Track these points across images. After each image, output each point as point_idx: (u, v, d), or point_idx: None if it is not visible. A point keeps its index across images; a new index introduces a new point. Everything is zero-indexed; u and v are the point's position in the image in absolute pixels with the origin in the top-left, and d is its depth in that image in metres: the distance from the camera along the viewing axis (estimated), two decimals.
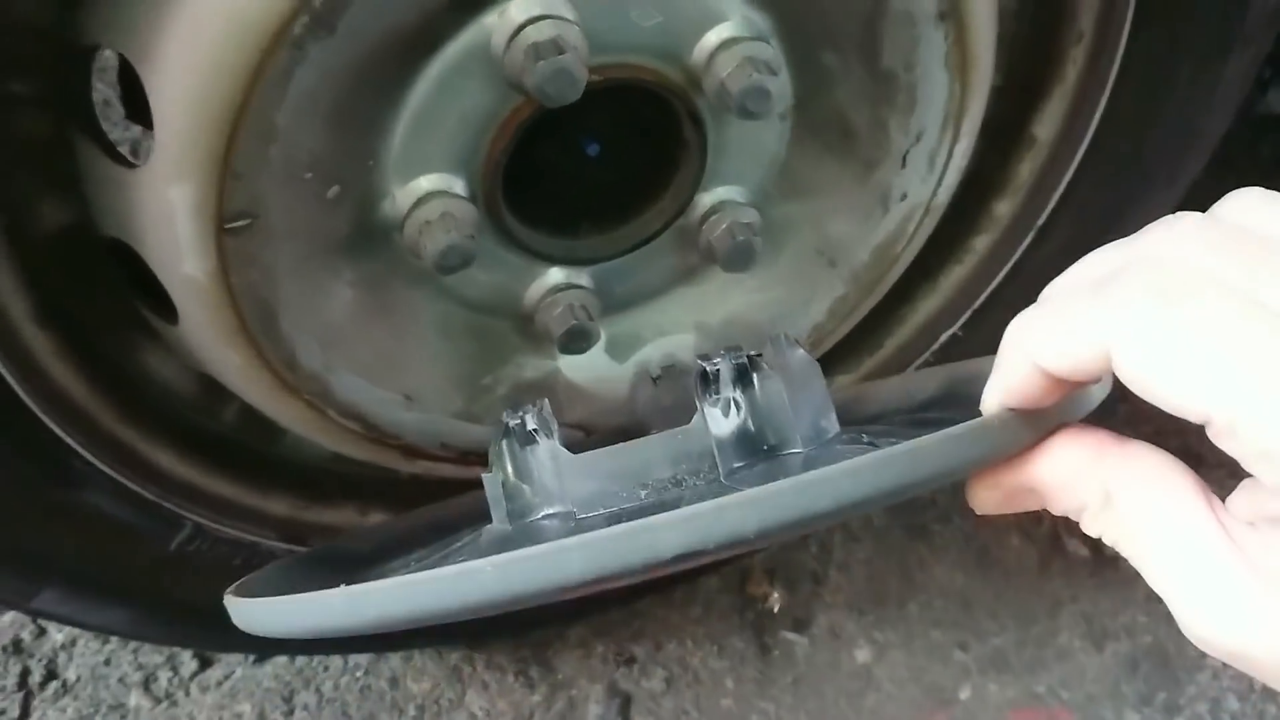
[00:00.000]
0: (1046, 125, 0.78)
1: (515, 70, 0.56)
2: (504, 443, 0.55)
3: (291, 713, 0.98)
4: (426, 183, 0.62)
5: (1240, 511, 0.36)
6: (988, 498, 0.43)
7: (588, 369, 0.77)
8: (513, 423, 0.55)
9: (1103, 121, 0.76)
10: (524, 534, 0.53)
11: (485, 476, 0.55)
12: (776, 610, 1.14)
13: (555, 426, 0.55)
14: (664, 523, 0.38)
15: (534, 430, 0.55)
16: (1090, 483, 0.38)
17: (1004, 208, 0.80)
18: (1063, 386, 0.39)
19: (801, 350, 0.57)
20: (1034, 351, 0.38)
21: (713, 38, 0.61)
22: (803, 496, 0.39)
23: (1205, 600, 0.35)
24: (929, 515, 1.25)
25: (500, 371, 0.76)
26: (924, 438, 0.41)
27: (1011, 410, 0.40)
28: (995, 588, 1.21)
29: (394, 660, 1.02)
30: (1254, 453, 0.33)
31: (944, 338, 0.85)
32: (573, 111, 0.59)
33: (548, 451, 0.54)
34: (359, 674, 1.01)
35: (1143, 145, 0.78)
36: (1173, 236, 0.37)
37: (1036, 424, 0.41)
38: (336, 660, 1.01)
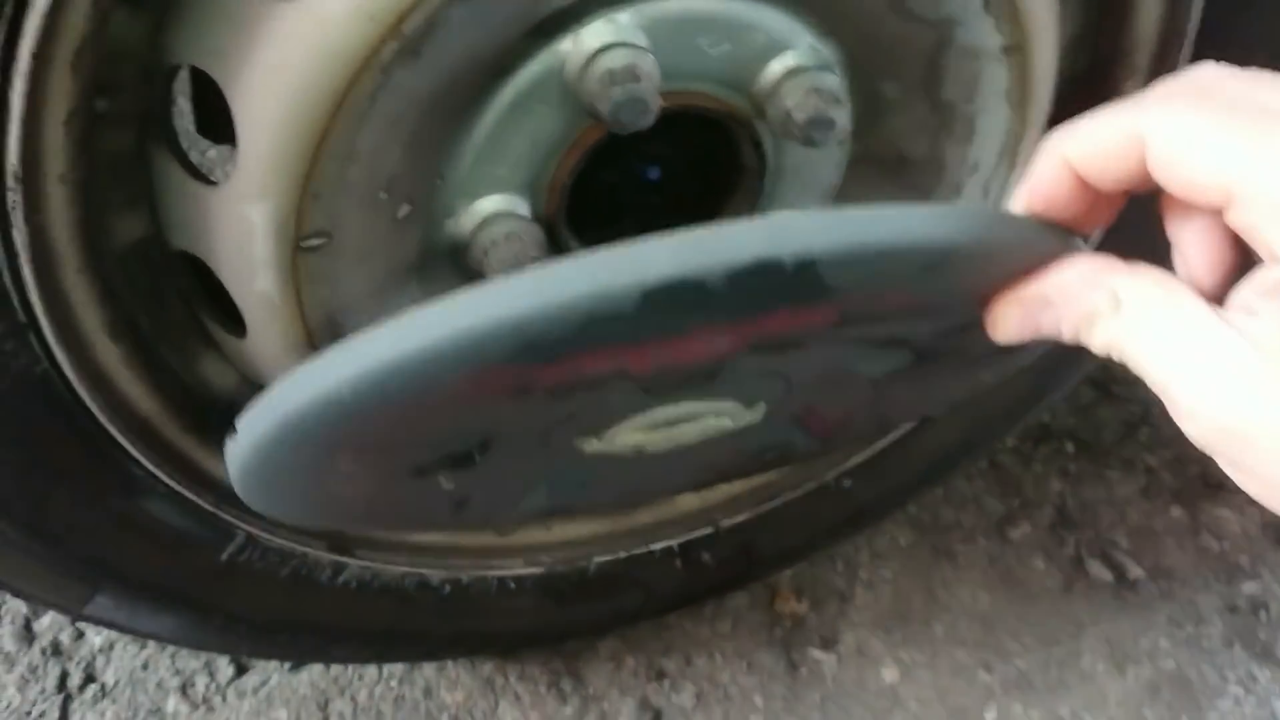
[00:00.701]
0: None
1: (589, 96, 0.57)
2: None
3: None
4: (492, 203, 0.64)
5: (1242, 303, 0.39)
6: (1008, 316, 0.44)
7: None
8: None
9: None
10: None
11: None
12: (803, 616, 1.14)
13: None
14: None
15: None
16: (1102, 287, 0.41)
17: None
18: (1088, 196, 0.42)
19: None
20: (1067, 146, 0.41)
21: (778, 66, 0.62)
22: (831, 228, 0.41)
23: (1207, 379, 0.37)
24: (954, 536, 1.26)
25: None
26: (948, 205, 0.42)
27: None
28: (1019, 609, 1.21)
29: (428, 670, 1.03)
30: (1267, 213, 0.37)
31: None
32: (636, 136, 0.60)
33: None
34: (393, 683, 1.02)
35: None
36: (1201, 68, 0.41)
37: (1055, 232, 0.43)
38: (371, 670, 1.02)
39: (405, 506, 0.61)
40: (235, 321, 0.64)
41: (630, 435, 0.56)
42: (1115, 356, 0.41)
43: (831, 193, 0.72)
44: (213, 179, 0.58)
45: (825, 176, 0.71)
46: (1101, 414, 1.41)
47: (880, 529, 1.23)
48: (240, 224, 0.56)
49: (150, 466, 0.67)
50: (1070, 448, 1.38)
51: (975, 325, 0.47)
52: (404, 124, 0.55)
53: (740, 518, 0.92)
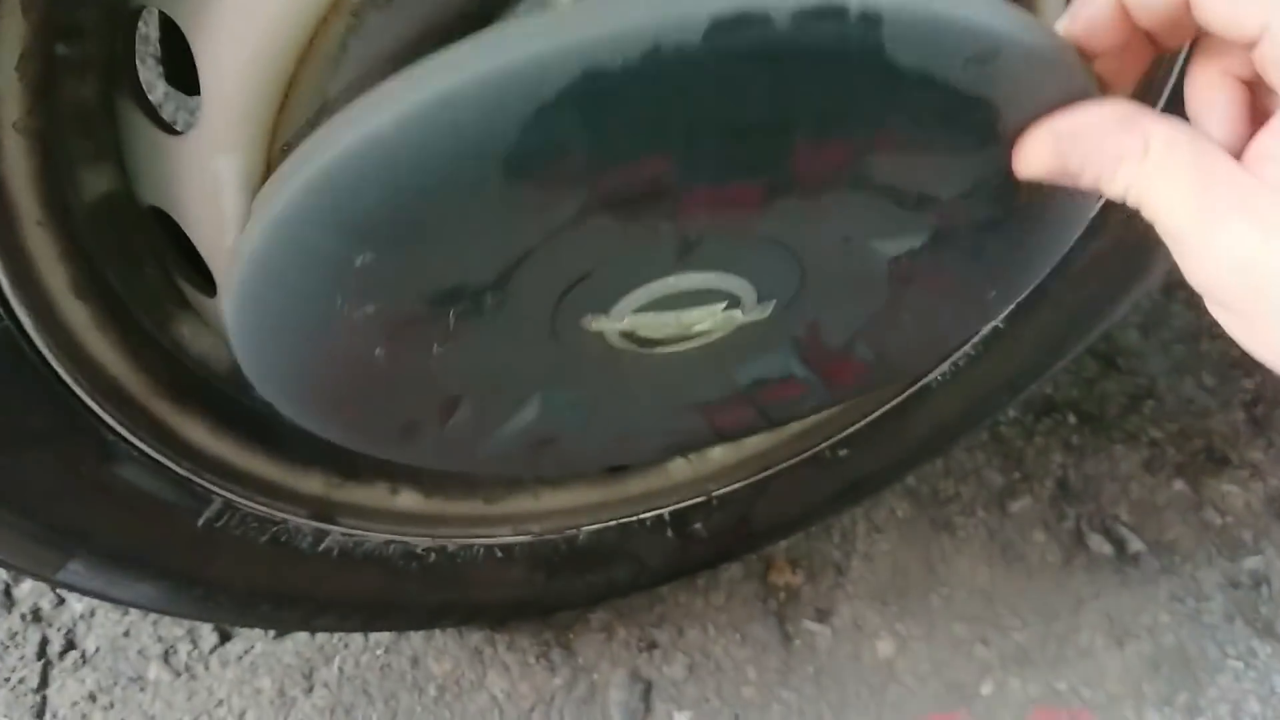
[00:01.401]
0: None
1: None
2: None
3: (311, 690, 0.97)
4: None
5: (1261, 150, 0.41)
6: (1039, 146, 0.45)
7: None
8: None
9: None
10: None
11: None
12: (798, 588, 1.13)
13: None
14: None
15: None
16: (1134, 130, 0.42)
17: None
18: (1125, 30, 0.43)
19: None
20: None
21: None
22: None
23: (1224, 219, 0.39)
24: (953, 508, 1.24)
25: None
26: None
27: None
28: (1018, 583, 1.20)
29: (415, 639, 1.01)
30: None
31: (986, 331, 0.84)
32: None
33: None
34: (379, 652, 1.00)
35: None
36: None
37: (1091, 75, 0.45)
38: (357, 638, 1.01)
39: (397, 394, 0.57)
40: (208, 281, 0.62)
41: (637, 318, 0.54)
42: (1132, 201, 0.42)
43: None
44: (179, 130, 0.55)
45: None
46: (1106, 387, 1.39)
47: (878, 501, 1.21)
48: (207, 177, 0.54)
49: (122, 431, 0.65)
50: (1073, 420, 1.36)
51: (999, 187, 0.47)
52: (376, 73, 0.53)
53: (734, 488, 0.90)
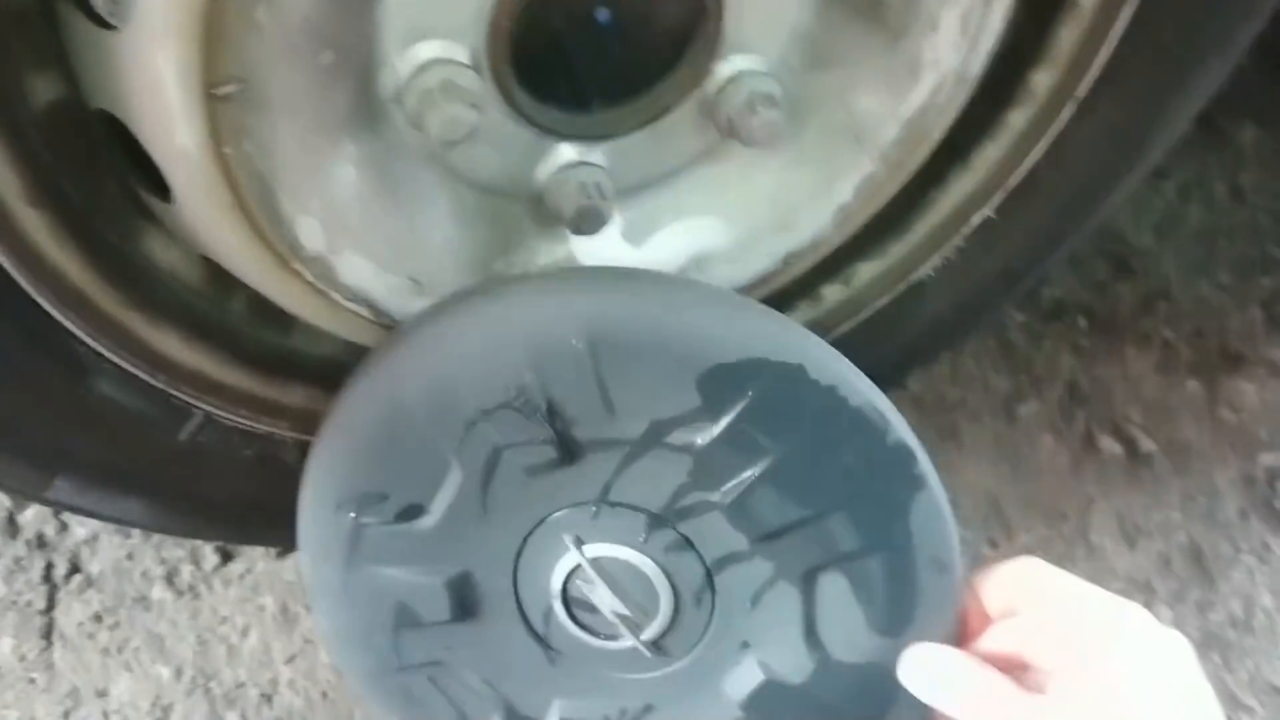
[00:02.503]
0: None
1: None
2: None
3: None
4: (428, 50, 0.59)
5: None
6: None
7: (602, 255, 0.74)
8: None
9: None
10: None
11: None
12: None
13: None
14: None
15: None
16: None
17: (1042, 79, 0.75)
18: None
19: None
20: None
21: None
22: None
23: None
24: (959, 415, 1.23)
25: (512, 256, 0.73)
26: None
27: None
28: (1026, 487, 1.18)
29: None
30: None
31: (976, 220, 0.82)
32: None
33: None
34: None
35: (1195, 11, 0.73)
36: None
37: None
38: None
39: None
40: (163, 186, 0.61)
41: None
42: None
43: (801, 36, 0.67)
44: (115, 24, 0.54)
45: (791, 16, 0.66)
46: (1118, 289, 1.36)
47: None
48: (147, 72, 0.53)
49: (92, 343, 0.65)
50: (1083, 323, 1.33)
51: None
52: None
53: None
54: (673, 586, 0.63)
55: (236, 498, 0.79)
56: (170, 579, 0.98)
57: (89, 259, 0.63)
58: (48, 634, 0.94)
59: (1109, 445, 1.22)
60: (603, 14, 0.66)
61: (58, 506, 0.74)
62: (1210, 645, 1.07)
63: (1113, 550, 1.14)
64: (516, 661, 0.68)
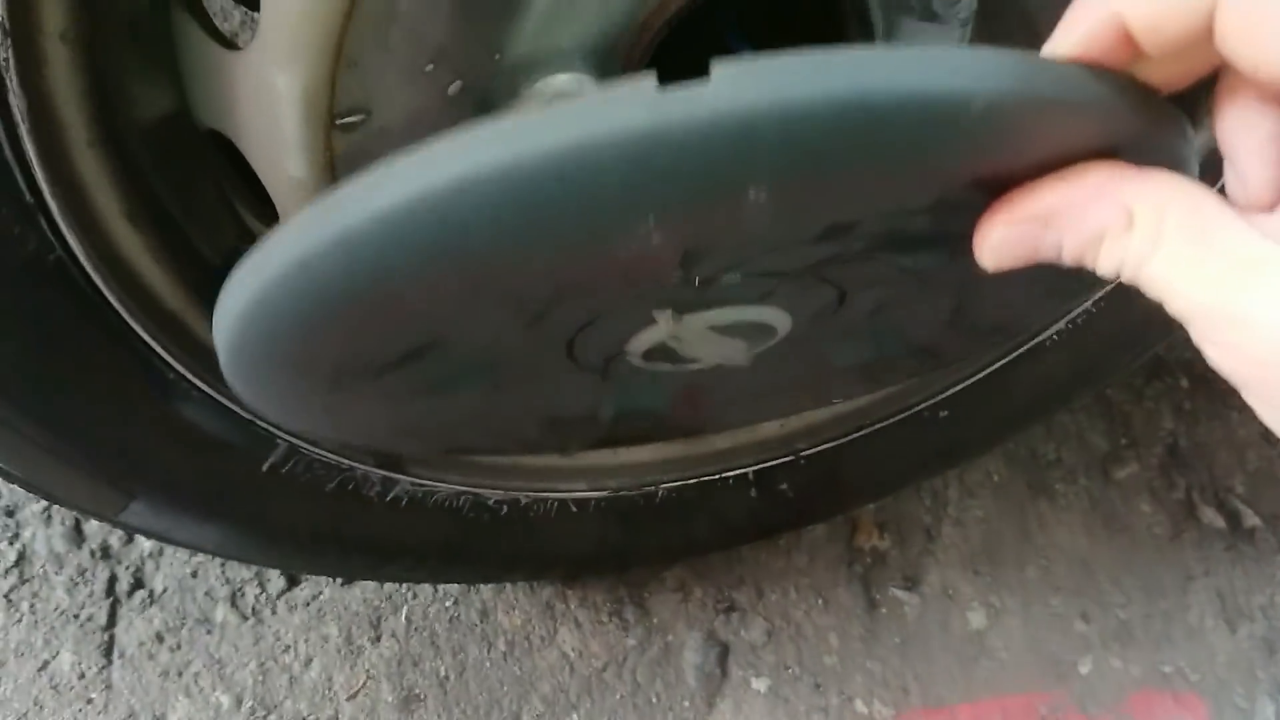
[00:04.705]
0: None
1: None
2: None
3: (379, 639, 0.95)
4: (557, 83, 0.56)
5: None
6: (1001, 236, 0.38)
7: None
8: None
9: None
10: None
11: None
12: (886, 552, 1.07)
13: None
14: None
15: None
16: (1113, 201, 0.35)
17: None
18: (1125, 56, 0.35)
19: None
20: None
21: None
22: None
23: (1244, 307, 0.32)
24: (1053, 473, 1.17)
25: None
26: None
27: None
28: (1121, 555, 1.12)
29: (485, 592, 0.98)
30: None
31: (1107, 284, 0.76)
32: (724, 5, 0.52)
33: None
34: (449, 604, 0.97)
35: None
36: None
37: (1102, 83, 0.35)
38: (426, 588, 0.98)
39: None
40: (269, 210, 0.58)
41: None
42: (1127, 280, 0.35)
43: None
44: (238, 44, 0.50)
45: None
46: None
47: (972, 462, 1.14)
48: (267, 97, 0.49)
49: (180, 368, 0.62)
50: (1185, 383, 1.26)
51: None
52: None
53: (823, 447, 0.84)
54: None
55: (314, 530, 0.76)
56: (234, 600, 0.95)
57: (185, 281, 0.60)
58: (108, 651, 0.92)
59: (1210, 517, 1.15)
60: (738, 45, 0.63)
61: (131, 529, 0.71)
62: None
63: (1213, 631, 1.07)
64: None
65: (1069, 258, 0.36)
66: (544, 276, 0.41)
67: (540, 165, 0.34)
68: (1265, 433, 1.23)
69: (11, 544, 0.96)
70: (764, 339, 0.55)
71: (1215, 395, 1.26)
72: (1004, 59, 0.34)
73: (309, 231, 0.36)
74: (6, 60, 0.44)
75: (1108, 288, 0.75)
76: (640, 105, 0.33)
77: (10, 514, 0.98)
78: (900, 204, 0.40)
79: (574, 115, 0.34)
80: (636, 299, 0.48)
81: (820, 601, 1.03)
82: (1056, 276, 0.40)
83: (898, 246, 0.44)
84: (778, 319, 0.53)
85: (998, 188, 0.37)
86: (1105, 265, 0.35)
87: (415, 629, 0.96)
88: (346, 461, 0.72)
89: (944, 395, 0.83)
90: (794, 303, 0.51)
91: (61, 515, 0.98)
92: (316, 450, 0.70)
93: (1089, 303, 0.77)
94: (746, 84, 0.33)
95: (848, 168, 0.36)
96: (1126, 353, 0.84)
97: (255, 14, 0.49)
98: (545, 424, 0.65)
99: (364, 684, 0.91)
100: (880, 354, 0.60)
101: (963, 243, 0.40)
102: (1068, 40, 0.35)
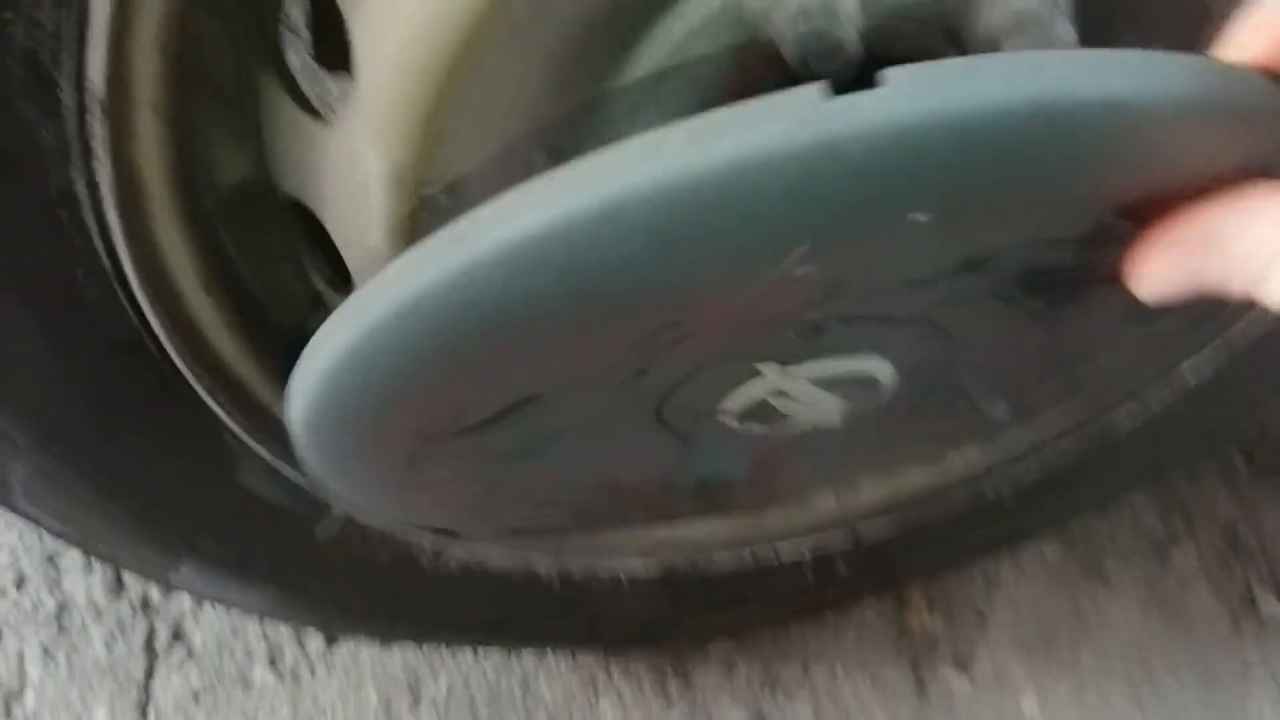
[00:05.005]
0: None
1: (773, 35, 0.47)
2: None
3: (418, 704, 0.93)
4: None
5: None
6: (1162, 262, 0.35)
7: None
8: None
9: None
10: None
11: None
12: (936, 632, 1.04)
13: None
14: None
15: None
16: None
17: None
18: None
19: None
20: None
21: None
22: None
23: None
24: (1107, 554, 1.14)
25: None
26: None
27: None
28: (1178, 642, 1.09)
29: (527, 660, 0.96)
30: None
31: (1191, 380, 0.74)
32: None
33: None
34: (489, 673, 0.95)
35: None
36: None
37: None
38: (467, 654, 0.95)
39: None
40: (345, 281, 0.57)
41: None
42: None
43: None
44: (326, 116, 0.49)
45: None
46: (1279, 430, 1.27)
47: None
48: (355, 170, 0.48)
49: (242, 434, 0.61)
50: (1241, 465, 1.23)
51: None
52: (549, 56, 0.46)
53: (883, 528, 0.82)
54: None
55: (366, 598, 0.74)
56: (273, 660, 0.93)
57: (255, 350, 0.59)
58: (143, 708, 0.90)
59: (1272, 607, 1.12)
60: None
61: (178, 589, 0.70)
62: None
63: None
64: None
65: (1236, 286, 0.33)
66: (674, 312, 0.38)
67: (699, 182, 0.32)
68: None
69: (52, 593, 0.95)
70: (865, 394, 0.52)
71: (1273, 477, 1.23)
72: (1192, 62, 0.31)
73: (423, 270, 0.35)
74: (100, 134, 0.43)
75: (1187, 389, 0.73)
76: (807, 117, 0.31)
77: (52, 561, 0.96)
78: (1053, 230, 0.37)
79: (734, 127, 0.32)
80: (745, 350, 0.46)
81: (868, 680, 1.00)
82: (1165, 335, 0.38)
83: (1027, 285, 0.42)
84: (882, 371, 0.50)
85: (1156, 211, 0.35)
86: (1276, 293, 0.32)
87: (455, 697, 0.93)
88: (401, 534, 0.71)
89: (1007, 479, 0.80)
90: (900, 352, 0.49)
91: (102, 565, 0.97)
92: (371, 519, 0.69)
93: (1167, 396, 0.75)
94: (923, 92, 0.31)
95: (1020, 184, 0.33)
96: (1199, 447, 0.82)
97: (347, 85, 0.48)
98: (615, 495, 0.63)
99: None
100: (970, 411, 0.58)
101: (1095, 284, 0.38)
102: (1247, 45, 0.33)
